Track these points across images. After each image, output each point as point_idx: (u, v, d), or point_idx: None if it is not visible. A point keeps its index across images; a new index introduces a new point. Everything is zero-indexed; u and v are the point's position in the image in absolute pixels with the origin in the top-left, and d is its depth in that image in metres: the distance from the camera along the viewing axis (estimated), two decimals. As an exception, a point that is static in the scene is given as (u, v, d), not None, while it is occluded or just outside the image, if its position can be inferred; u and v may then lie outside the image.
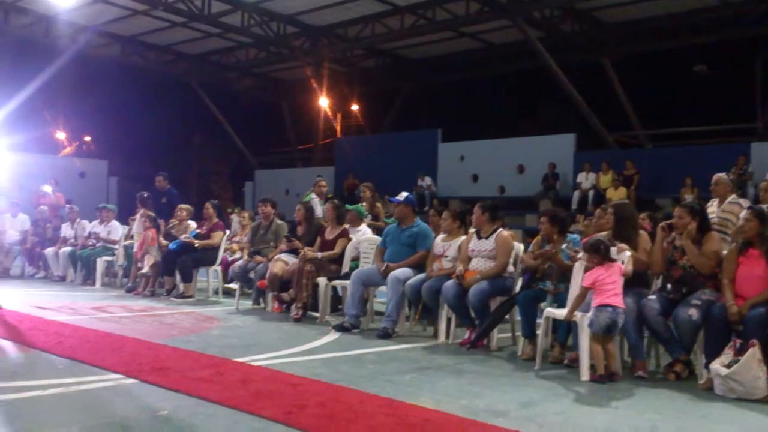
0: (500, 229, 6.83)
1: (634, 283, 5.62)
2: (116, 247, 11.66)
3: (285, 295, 8.20)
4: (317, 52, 22.54)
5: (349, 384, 4.76)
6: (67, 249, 12.21)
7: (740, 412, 4.41)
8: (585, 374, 5.24)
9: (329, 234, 8.47)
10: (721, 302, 5.14)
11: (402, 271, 7.18)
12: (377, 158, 22.26)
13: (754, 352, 4.66)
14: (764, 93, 19.48)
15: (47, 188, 16.12)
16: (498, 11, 18.14)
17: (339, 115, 28.79)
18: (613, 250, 5.54)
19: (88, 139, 30.99)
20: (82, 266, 11.81)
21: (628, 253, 5.58)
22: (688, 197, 14.02)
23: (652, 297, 5.51)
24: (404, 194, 7.79)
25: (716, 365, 4.79)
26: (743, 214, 5.45)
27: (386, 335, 6.88)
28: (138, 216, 11.21)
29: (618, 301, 5.26)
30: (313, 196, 11.05)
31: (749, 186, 15.20)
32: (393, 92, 26.12)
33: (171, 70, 25.59)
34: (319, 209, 10.34)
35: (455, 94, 25.19)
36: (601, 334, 5.19)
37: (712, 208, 6.87)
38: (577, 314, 5.43)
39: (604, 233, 5.84)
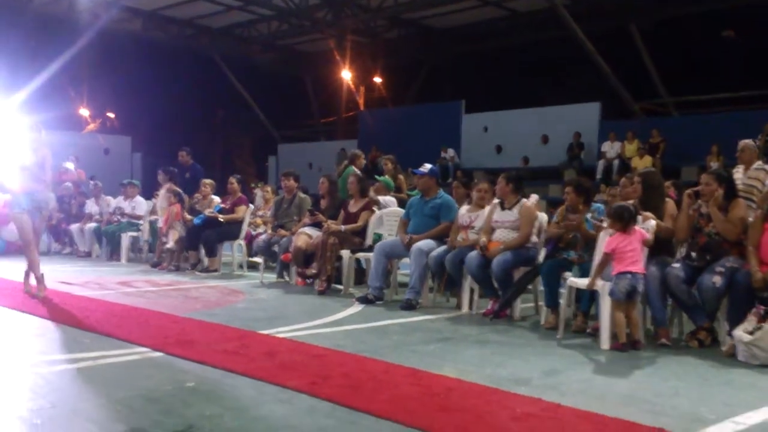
0: (524, 200, 6.80)
1: (659, 251, 5.59)
2: (141, 222, 11.80)
3: (308, 271, 8.26)
4: (340, 23, 22.42)
5: (373, 355, 4.80)
6: (92, 225, 12.35)
7: (764, 378, 4.39)
8: (606, 343, 5.24)
9: (353, 207, 8.48)
10: (745, 269, 5.09)
11: (425, 243, 7.19)
12: (401, 131, 22.19)
13: (778, 319, 4.62)
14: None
15: (69, 165, 16.27)
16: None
17: (362, 88, 28.66)
18: (639, 218, 5.49)
19: (111, 115, 31.20)
20: (108, 242, 11.95)
21: (653, 222, 5.54)
22: (714, 165, 13.83)
23: (676, 265, 5.47)
24: (428, 166, 7.78)
25: (739, 332, 4.77)
26: (768, 180, 5.38)
27: (410, 306, 6.92)
28: (162, 191, 11.30)
29: (638, 267, 5.25)
30: (354, 169, 10.89)
31: (776, 152, 14.94)
32: (416, 64, 25.93)
33: (193, 45, 25.60)
34: None
35: (479, 65, 24.92)
36: (622, 300, 5.18)
37: (738, 175, 6.78)
38: (599, 283, 5.42)
39: (630, 201, 5.79)
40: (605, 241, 5.47)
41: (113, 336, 5.26)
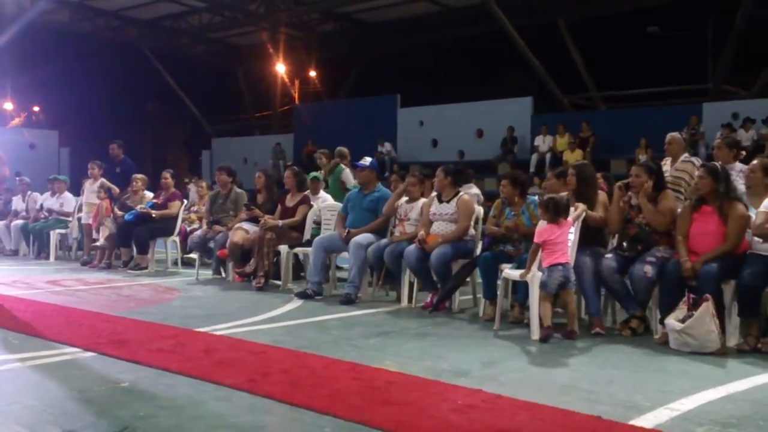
0: (461, 193, 6.86)
1: (591, 241, 5.72)
2: (70, 219, 11.44)
3: (246, 269, 8.15)
4: (273, 16, 22.17)
5: (313, 350, 4.77)
6: (19, 222, 11.95)
7: (695, 365, 4.52)
8: (536, 333, 5.32)
9: (290, 201, 8.41)
10: (675, 259, 5.23)
11: (364, 237, 7.18)
12: (336, 124, 22.11)
13: (707, 306, 4.77)
14: (715, 54, 19.78)
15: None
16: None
17: (297, 82, 28.43)
18: (572, 209, 5.61)
19: (37, 109, 30.16)
20: (35, 239, 11.58)
21: (581, 206, 5.68)
22: (642, 158, 14.25)
23: (609, 255, 5.60)
24: (368, 159, 7.78)
25: (671, 320, 4.90)
26: (698, 171, 5.55)
27: (349, 301, 6.89)
28: (87, 185, 10.99)
29: (567, 257, 5.36)
30: (343, 167, 10.69)
31: (700, 145, 15.52)
32: (351, 58, 25.88)
33: (121, 37, 24.92)
34: (352, 179, 10.18)
35: (413, 59, 25.05)
36: (554, 292, 5.29)
37: (666, 167, 6.96)
38: (529, 274, 5.51)
39: (564, 193, 5.90)
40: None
41: (43, 336, 5.08)
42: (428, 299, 6.65)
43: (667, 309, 5.08)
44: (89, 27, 23.62)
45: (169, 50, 26.14)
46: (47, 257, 11.17)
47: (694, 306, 4.84)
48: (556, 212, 5.42)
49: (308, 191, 8.68)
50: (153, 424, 3.27)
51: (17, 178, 13.27)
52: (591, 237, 5.73)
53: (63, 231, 11.40)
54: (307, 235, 8.12)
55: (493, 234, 6.32)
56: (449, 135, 20.77)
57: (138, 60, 26.24)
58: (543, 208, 5.50)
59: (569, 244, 5.46)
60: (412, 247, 6.61)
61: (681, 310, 4.90)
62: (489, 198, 9.86)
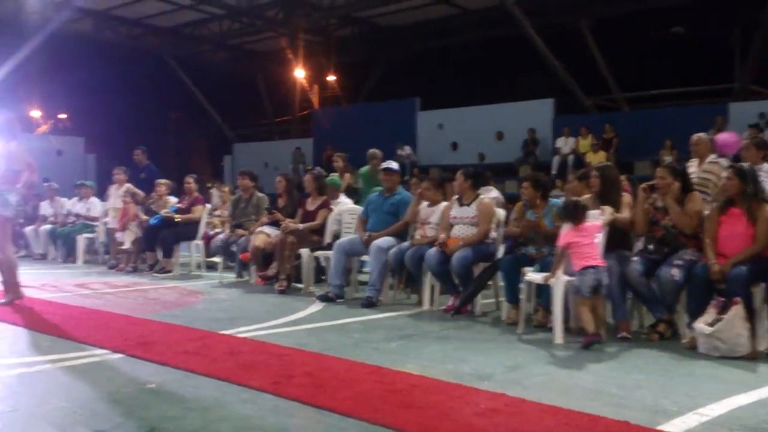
0: (481, 196, 6.83)
1: (617, 244, 5.66)
2: (96, 224, 11.57)
3: (269, 272, 8.19)
4: (291, 22, 22.26)
5: (336, 353, 4.77)
6: (47, 227, 12.14)
7: (724, 370, 4.45)
8: (559, 337, 5.27)
9: (310, 205, 8.43)
10: (703, 261, 5.16)
11: (385, 240, 7.17)
12: (355, 129, 22.16)
13: (737, 310, 4.70)
14: (742, 54, 19.54)
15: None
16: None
17: (316, 86, 28.51)
18: (597, 212, 5.56)
19: (63, 116, 30.51)
20: (63, 244, 11.72)
21: (609, 209, 5.64)
22: (667, 159, 14.11)
23: (635, 258, 5.54)
24: (394, 164, 7.78)
25: (699, 324, 4.82)
26: (725, 173, 5.47)
27: (371, 304, 6.89)
28: (112, 190, 11.11)
29: (598, 260, 5.28)
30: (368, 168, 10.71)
31: (727, 146, 15.30)
32: (370, 62, 25.91)
33: (143, 44, 25.18)
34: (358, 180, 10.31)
35: (433, 62, 25.04)
36: (588, 296, 5.20)
37: (692, 168, 6.89)
38: (552, 277, 5.47)
39: (587, 196, 5.85)
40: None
41: (72, 338, 5.14)
42: (450, 302, 6.63)
43: (695, 313, 5.00)
44: (112, 35, 23.90)
45: (190, 57, 26.36)
46: (75, 261, 11.31)
47: (723, 309, 4.77)
48: (569, 215, 5.36)
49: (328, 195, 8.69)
50: (180, 426, 3.28)
51: (45, 184, 13.47)
52: (616, 240, 5.67)
53: (90, 235, 11.54)
54: (327, 239, 8.13)
55: (511, 235, 6.28)
56: (469, 138, 20.72)
57: (160, 67, 26.50)
58: (561, 213, 5.45)
59: (599, 247, 5.39)
60: (433, 250, 6.59)
61: (710, 314, 4.83)
62: (510, 200, 9.81)
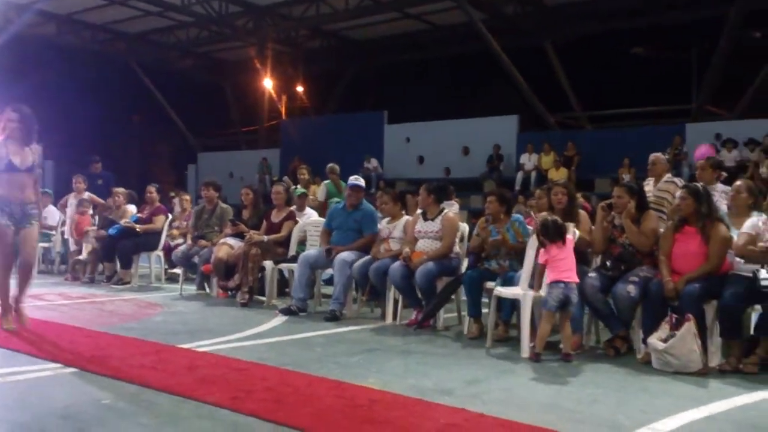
0: (446, 210, 6.89)
1: (576, 261, 5.73)
2: (53, 233, 11.34)
3: (230, 283, 8.12)
4: (261, 32, 22.22)
5: (297, 367, 4.75)
6: (2, 236, 11.82)
7: (677, 385, 4.55)
8: (525, 351, 5.32)
9: (275, 217, 8.39)
10: (658, 278, 5.26)
11: (348, 253, 7.17)
12: (323, 140, 22.14)
13: (689, 326, 4.80)
14: (699, 75, 20.01)
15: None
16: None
17: (284, 97, 28.45)
18: (572, 227, 5.62)
19: (21, 121, 29.90)
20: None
21: (577, 231, 5.72)
22: (626, 177, 14.35)
23: (592, 274, 5.63)
24: (361, 181, 7.80)
25: (653, 340, 4.92)
26: (679, 192, 5.59)
27: (334, 318, 6.88)
28: (71, 198, 10.93)
29: (570, 276, 5.29)
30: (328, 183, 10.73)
31: (684, 165, 15.66)
32: (338, 73, 25.93)
33: (108, 50, 24.86)
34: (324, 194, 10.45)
35: (401, 76, 25.16)
36: (555, 311, 5.24)
37: (648, 187, 7.03)
38: (520, 292, 5.52)
39: (544, 213, 5.92)
40: (535, 250, 5.56)
41: (24, 352, 5.03)
42: (413, 316, 6.65)
43: (649, 328, 5.10)
44: (76, 40, 23.56)
45: (156, 64, 26.10)
46: (29, 271, 11.06)
47: (676, 326, 4.87)
48: (549, 235, 5.37)
49: (294, 207, 8.68)
50: (134, 442, 3.24)
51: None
52: (575, 256, 5.75)
53: (46, 245, 11.29)
54: (292, 251, 8.10)
55: (476, 248, 6.32)
56: (436, 152, 20.85)
57: (125, 73, 26.14)
58: (541, 233, 5.44)
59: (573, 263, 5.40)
60: (397, 264, 6.61)
61: (663, 330, 4.92)
62: (475, 215, 9.89)
